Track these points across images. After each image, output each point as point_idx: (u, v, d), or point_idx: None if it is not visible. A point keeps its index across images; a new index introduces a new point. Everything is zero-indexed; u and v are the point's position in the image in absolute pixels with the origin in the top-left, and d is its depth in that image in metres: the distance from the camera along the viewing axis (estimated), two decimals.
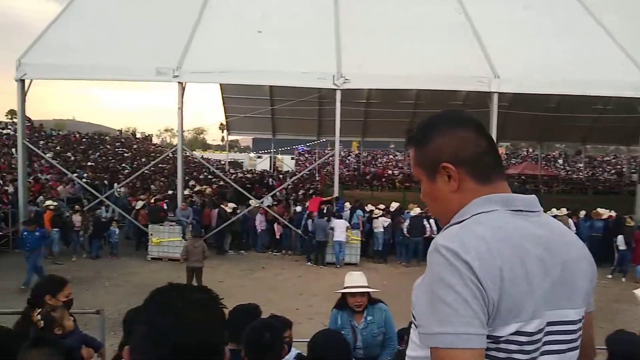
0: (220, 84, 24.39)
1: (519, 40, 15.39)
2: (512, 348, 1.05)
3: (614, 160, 50.29)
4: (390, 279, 11.76)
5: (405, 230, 13.49)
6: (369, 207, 14.88)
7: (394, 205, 15.20)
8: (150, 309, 1.01)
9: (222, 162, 41.63)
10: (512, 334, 1.04)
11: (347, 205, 15.14)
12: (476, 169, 1.19)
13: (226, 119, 30.39)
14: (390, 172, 43.14)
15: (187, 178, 21.34)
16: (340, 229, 13.10)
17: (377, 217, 14.09)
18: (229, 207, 15.06)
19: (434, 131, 1.22)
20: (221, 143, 78.98)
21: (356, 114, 26.70)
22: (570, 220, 13.75)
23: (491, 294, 1.02)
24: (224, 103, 28.52)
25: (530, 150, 51.65)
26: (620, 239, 12.41)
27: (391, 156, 52.82)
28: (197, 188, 19.96)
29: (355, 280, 3.85)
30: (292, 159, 50.09)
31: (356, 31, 15.59)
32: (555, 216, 14.15)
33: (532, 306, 1.05)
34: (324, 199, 15.68)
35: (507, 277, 1.03)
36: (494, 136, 11.06)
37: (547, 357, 1.10)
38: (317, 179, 33.03)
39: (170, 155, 23.30)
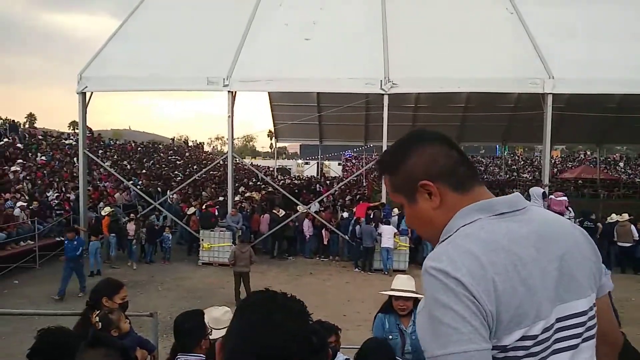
0: (269, 92, 24.79)
1: (573, 40, 14.79)
2: (520, 354, 1.04)
3: None
4: None
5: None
6: None
7: None
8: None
9: (271, 169, 42.26)
10: (517, 340, 1.03)
11: (395, 211, 14.98)
12: (453, 179, 1.18)
13: (274, 126, 30.82)
14: None
15: (237, 185, 21.77)
16: (387, 235, 12.97)
17: None
18: (280, 212, 15.24)
19: (402, 154, 1.22)
20: (270, 150, 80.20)
21: (404, 119, 26.37)
22: (632, 227, 13.04)
23: (488, 307, 1.01)
24: (272, 111, 28.96)
25: (588, 153, 49.39)
26: None
27: None
28: (247, 194, 20.32)
29: (402, 283, 3.80)
30: (339, 164, 50.15)
31: (404, 35, 15.46)
32: (616, 222, 13.47)
33: (534, 309, 1.04)
34: (371, 204, 15.58)
35: (501, 287, 1.02)
36: (548, 139, 10.69)
37: (560, 355, 1.08)
38: (365, 184, 32.87)
39: (221, 162, 23.84)
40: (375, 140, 29.80)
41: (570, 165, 46.55)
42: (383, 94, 14.05)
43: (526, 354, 1.04)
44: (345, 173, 44.90)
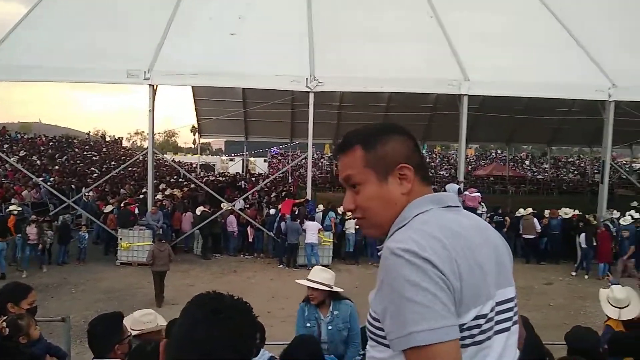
0: (192, 87, 24.12)
1: (489, 45, 15.72)
2: (475, 332, 1.10)
3: (577, 161, 51.77)
4: (363, 280, 11.84)
5: None
6: (342, 209, 14.94)
7: None
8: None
9: (194, 165, 41.14)
10: (473, 319, 1.09)
11: (320, 207, 15.18)
12: (424, 172, 1.27)
13: (198, 121, 30.05)
14: None
15: (157, 182, 21.00)
16: (312, 231, 13.13)
17: (349, 219, 14.16)
18: (199, 210, 14.87)
19: (383, 135, 1.26)
20: (193, 146, 77.92)
21: (329, 117, 26.78)
22: (535, 220, 14.10)
23: (455, 283, 1.06)
24: (195, 105, 28.21)
25: (499, 151, 52.73)
26: (582, 237, 12.78)
27: None
28: (168, 192, 19.68)
29: (314, 274, 3.89)
30: (265, 161, 49.85)
31: (329, 35, 15.68)
32: (521, 216, 14.50)
33: (486, 289, 1.12)
34: (297, 201, 15.69)
35: (463, 268, 1.08)
36: (463, 138, 11.25)
37: (499, 335, 1.17)
38: (290, 181, 32.96)
39: (141, 158, 22.92)
40: (301, 138, 29.98)
41: (483, 163, 49.45)
42: (309, 92, 14.17)
43: (479, 332, 1.11)
44: (271, 170, 44.73)
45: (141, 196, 17.54)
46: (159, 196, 16.93)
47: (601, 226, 13.42)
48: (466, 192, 14.48)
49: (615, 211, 14.64)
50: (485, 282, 1.12)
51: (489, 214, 14.87)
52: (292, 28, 15.78)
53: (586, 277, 12.55)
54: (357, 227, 13.94)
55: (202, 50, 14.64)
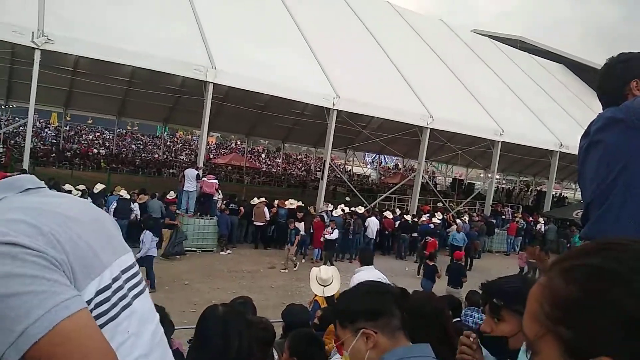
0: None
1: (239, 38, 16.27)
2: (106, 307, 1.04)
3: (305, 159, 58.21)
4: None
5: (112, 214, 12.62)
6: (66, 187, 13.38)
7: (99, 187, 14.09)
8: None
9: None
10: (97, 295, 1.02)
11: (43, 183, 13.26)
12: None
13: None
14: (95, 150, 39.71)
15: None
16: None
17: None
18: None
19: None
20: None
21: (60, 82, 23.58)
22: (265, 209, 15.27)
23: (58, 256, 0.94)
24: None
25: (239, 142, 55.21)
26: (301, 225, 14.41)
27: (98, 134, 48.64)
28: None
29: None
30: None
31: None
32: (255, 205, 15.49)
33: (98, 260, 1.06)
34: (9, 174, 13.33)
35: (62, 239, 0.98)
36: (206, 125, 11.30)
37: (137, 301, 1.16)
38: (2, 150, 27.88)
39: None
40: (21, 101, 25.53)
41: (223, 152, 51.00)
42: (34, 48, 12.19)
43: (111, 305, 1.04)
44: None
45: None
46: None
47: (317, 216, 15.35)
48: (204, 179, 14.70)
49: (330, 204, 16.95)
50: (95, 253, 1.06)
51: (224, 202, 15.41)
52: None
53: (303, 260, 14.20)
54: None
55: None
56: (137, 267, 1.22)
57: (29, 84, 12.79)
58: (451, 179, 42.47)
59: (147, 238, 9.91)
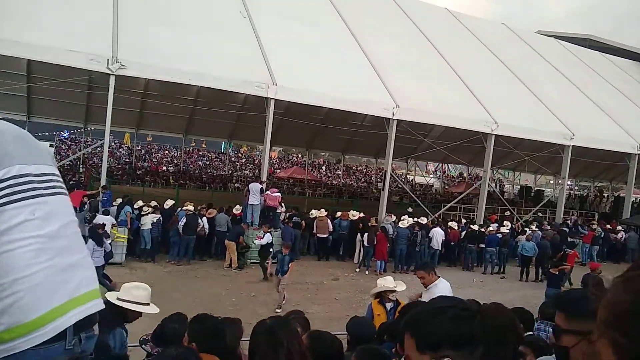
0: None
1: (298, 53, 16.60)
2: (8, 192, 1.47)
3: (365, 170, 58.02)
4: (158, 279, 11.36)
5: (181, 229, 13.17)
6: (139, 204, 14.11)
7: (169, 203, 14.74)
8: None
9: None
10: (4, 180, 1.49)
11: (119, 200, 14.09)
12: None
13: None
14: (164, 168, 41.61)
15: None
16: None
17: (146, 214, 13.42)
18: None
19: None
20: None
21: (131, 104, 25.01)
22: (329, 221, 15.34)
23: None
24: None
25: (300, 155, 55.95)
26: (365, 237, 14.34)
27: (166, 151, 50.99)
28: None
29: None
30: (52, 146, 44.18)
31: (136, 15, 14.72)
32: (316, 217, 15.61)
33: (8, 158, 1.52)
34: (88, 192, 14.27)
35: None
36: (268, 140, 11.55)
37: (55, 197, 1.62)
38: (82, 170, 29.86)
39: None
40: (97, 123, 27.35)
41: (284, 166, 51.86)
42: (109, 74, 13.04)
43: (17, 191, 1.48)
44: (59, 156, 39.81)
45: None
46: None
47: (379, 228, 15.21)
48: (268, 192, 15.01)
49: (393, 215, 16.75)
50: (7, 153, 1.51)
51: (287, 214, 15.65)
52: (95, 2, 14.35)
53: (367, 272, 14.10)
54: (153, 222, 13.30)
55: None
56: (55, 177, 1.66)
57: (104, 108, 13.66)
58: (519, 187, 40.81)
59: (89, 246, 9.58)
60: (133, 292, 3.71)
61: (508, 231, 16.93)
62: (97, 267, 9.24)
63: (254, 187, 14.72)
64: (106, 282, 9.57)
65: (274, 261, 10.95)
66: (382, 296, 5.73)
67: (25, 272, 1.41)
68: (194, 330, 2.73)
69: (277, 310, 9.31)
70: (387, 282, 5.75)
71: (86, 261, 1.67)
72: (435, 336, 1.23)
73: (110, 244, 10.87)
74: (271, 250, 12.54)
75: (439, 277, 5.43)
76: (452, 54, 21.48)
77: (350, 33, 19.51)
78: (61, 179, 1.71)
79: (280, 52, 16.29)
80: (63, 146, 46.05)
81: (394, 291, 5.70)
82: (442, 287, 5.22)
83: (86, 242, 9.71)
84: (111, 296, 3.66)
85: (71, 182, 21.37)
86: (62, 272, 1.50)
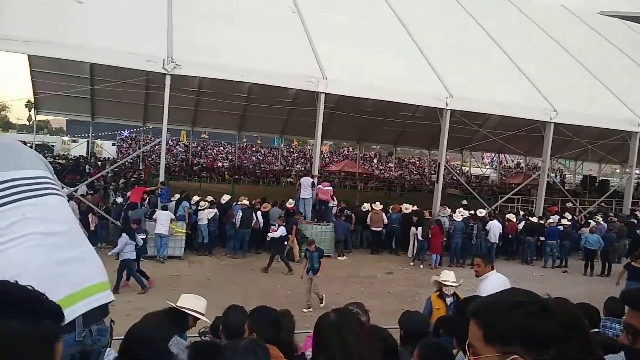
0: (29, 56, 21.30)
1: (347, 46, 16.51)
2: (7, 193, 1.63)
3: (418, 162, 57.12)
4: (215, 272, 11.68)
5: (237, 223, 13.48)
6: (195, 199, 14.55)
7: (225, 198, 15.09)
8: None
9: (28, 145, 36.54)
10: None
11: (177, 196, 14.59)
12: None
13: (34, 95, 26.67)
14: (220, 164, 42.70)
15: None
16: (162, 221, 12.52)
17: (202, 209, 13.81)
18: None
19: None
20: (27, 123, 69.29)
21: (186, 102, 25.78)
22: (383, 214, 15.20)
23: None
24: (32, 77, 24.95)
25: (351, 149, 55.82)
26: (419, 230, 14.11)
27: (221, 148, 52.28)
28: None
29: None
30: (113, 145, 46.35)
31: (189, 16, 15.08)
32: (368, 210, 15.50)
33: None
34: (148, 189, 14.86)
35: None
36: (319, 134, 11.55)
37: (46, 197, 1.76)
38: (141, 168, 31.11)
39: None
40: (154, 122, 28.42)
41: (336, 159, 51.92)
42: (165, 74, 13.47)
43: (5, 194, 1.61)
44: (120, 155, 41.70)
45: None
46: None
47: (434, 221, 14.93)
48: (320, 186, 15.07)
49: (447, 208, 16.38)
50: None
51: (339, 208, 15.66)
52: (149, 3, 14.84)
53: (421, 266, 13.90)
54: (209, 217, 13.67)
55: (41, 15, 13.02)
56: (45, 179, 1.80)
57: (161, 107, 14.14)
58: (582, 177, 38.92)
59: (122, 240, 9.98)
60: (195, 302, 3.90)
61: (570, 223, 16.18)
62: (129, 260, 9.87)
63: (306, 181, 14.83)
64: (141, 278, 9.98)
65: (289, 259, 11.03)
66: (441, 290, 5.75)
67: (25, 267, 1.47)
68: (255, 321, 2.78)
69: (304, 310, 9.25)
70: (449, 277, 5.79)
71: (89, 255, 1.74)
72: (508, 330, 1.17)
73: (143, 239, 11.25)
74: (285, 243, 12.68)
75: (493, 269, 5.32)
76: (507, 39, 20.68)
77: (400, 22, 19.15)
78: (54, 181, 1.88)
79: (329, 46, 16.24)
80: (124, 144, 48.17)
81: (451, 286, 5.71)
82: (493, 279, 5.13)
83: (120, 236, 10.22)
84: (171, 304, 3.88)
85: (132, 179, 22.33)
86: (60, 266, 1.57)
